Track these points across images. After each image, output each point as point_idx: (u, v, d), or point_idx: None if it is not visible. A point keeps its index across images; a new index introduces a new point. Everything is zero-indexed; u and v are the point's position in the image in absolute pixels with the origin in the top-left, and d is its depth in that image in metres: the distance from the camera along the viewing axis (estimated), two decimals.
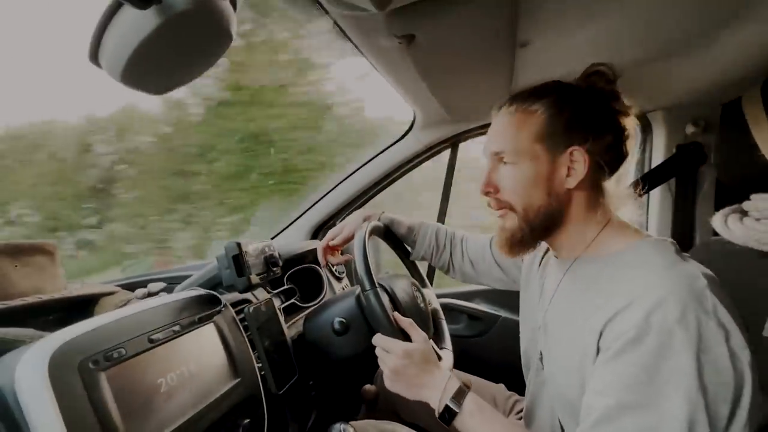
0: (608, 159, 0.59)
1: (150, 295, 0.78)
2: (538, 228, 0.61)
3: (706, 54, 0.91)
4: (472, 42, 0.81)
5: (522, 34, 0.83)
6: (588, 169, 0.57)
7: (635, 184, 1.14)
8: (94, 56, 0.51)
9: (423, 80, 0.96)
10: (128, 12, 0.46)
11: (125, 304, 0.75)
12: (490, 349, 1.40)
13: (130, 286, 0.82)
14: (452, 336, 1.01)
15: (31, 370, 0.43)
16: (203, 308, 0.65)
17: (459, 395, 0.63)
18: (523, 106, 0.60)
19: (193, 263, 1.07)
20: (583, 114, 0.58)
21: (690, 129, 1.16)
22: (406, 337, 0.77)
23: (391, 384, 0.67)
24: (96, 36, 0.49)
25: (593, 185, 0.60)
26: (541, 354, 0.67)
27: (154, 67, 0.54)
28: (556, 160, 0.58)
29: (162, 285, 0.82)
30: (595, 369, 0.50)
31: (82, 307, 0.76)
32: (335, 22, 0.73)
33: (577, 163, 0.57)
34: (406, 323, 0.72)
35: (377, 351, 0.69)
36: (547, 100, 0.59)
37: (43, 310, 0.65)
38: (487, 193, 0.64)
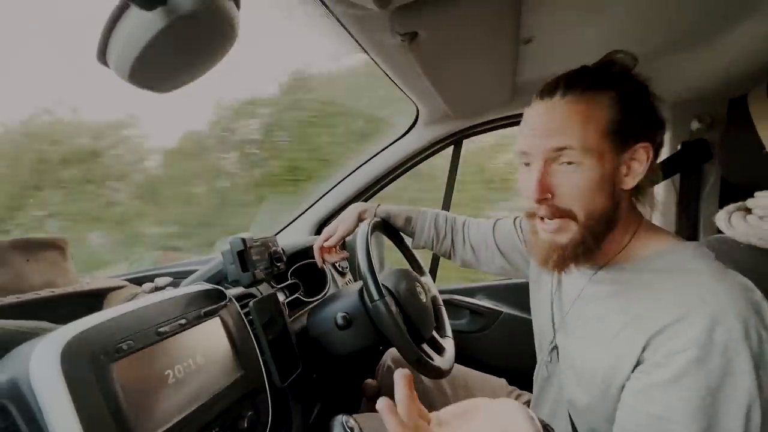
0: (656, 155, 0.54)
1: (157, 289, 0.80)
2: (599, 237, 0.54)
3: (712, 48, 0.90)
4: (475, 39, 0.81)
5: (525, 31, 0.83)
6: (647, 168, 0.52)
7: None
8: (102, 56, 0.52)
9: (426, 77, 0.96)
10: (135, 13, 0.47)
11: (133, 298, 0.77)
12: (492, 344, 1.41)
13: (138, 281, 0.84)
14: (455, 332, 1.01)
15: (44, 360, 0.45)
16: (209, 302, 0.67)
17: None
18: (586, 95, 0.51)
19: (199, 258, 1.09)
20: (646, 105, 0.52)
21: (695, 125, 1.15)
22: (412, 334, 0.75)
23: None
24: (103, 36, 0.50)
25: (637, 185, 0.54)
26: (554, 349, 0.67)
27: (161, 66, 0.55)
28: (620, 158, 0.52)
29: (169, 279, 0.83)
30: (648, 387, 0.47)
31: (93, 300, 0.78)
32: (339, 21, 0.73)
33: (637, 161, 0.52)
34: None
35: None
36: (619, 89, 0.51)
37: (55, 303, 0.67)
38: (542, 201, 0.53)
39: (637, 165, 0.52)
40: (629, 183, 0.52)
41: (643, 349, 0.48)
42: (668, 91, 1.15)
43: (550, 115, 0.53)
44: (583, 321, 0.61)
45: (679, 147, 1.19)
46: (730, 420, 0.43)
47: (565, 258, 0.55)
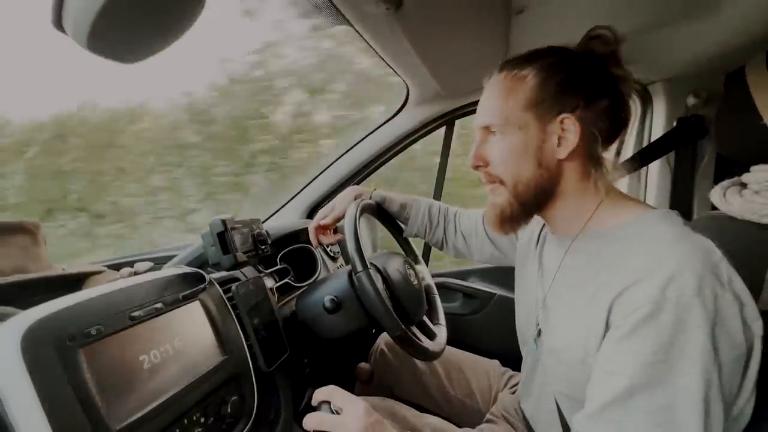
0: (604, 127, 0.55)
1: (136, 274, 0.77)
2: (529, 202, 0.59)
3: (708, 21, 0.87)
4: (464, 8, 0.77)
5: (517, 0, 0.79)
6: (580, 138, 0.54)
7: (634, 158, 1.12)
8: (58, 22, 0.48)
9: (414, 51, 0.92)
10: None
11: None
12: (485, 326, 1.41)
13: (117, 266, 0.81)
14: (447, 314, 1.00)
15: (4, 345, 0.42)
16: (187, 286, 0.64)
17: None
18: (512, 73, 0.57)
19: (181, 243, 1.06)
20: (575, 78, 0.55)
21: (691, 101, 1.12)
22: (400, 314, 0.76)
23: None
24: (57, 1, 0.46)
25: (588, 156, 0.57)
26: (539, 330, 0.67)
27: (123, 34, 0.51)
28: (546, 129, 0.55)
29: (149, 265, 0.81)
30: (605, 346, 0.48)
31: (70, 287, 0.75)
32: None
33: (568, 131, 0.54)
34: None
35: None
36: (538, 65, 0.56)
37: (27, 289, 0.65)
38: (477, 167, 0.62)
39: (569, 135, 0.55)
40: (562, 153, 0.55)
41: (608, 315, 0.49)
42: (664, 66, 1.11)
43: (486, 92, 0.61)
44: (559, 296, 0.62)
45: (674, 124, 1.16)
46: (685, 377, 0.42)
47: (503, 219, 0.61)
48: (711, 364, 0.42)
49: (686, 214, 1.14)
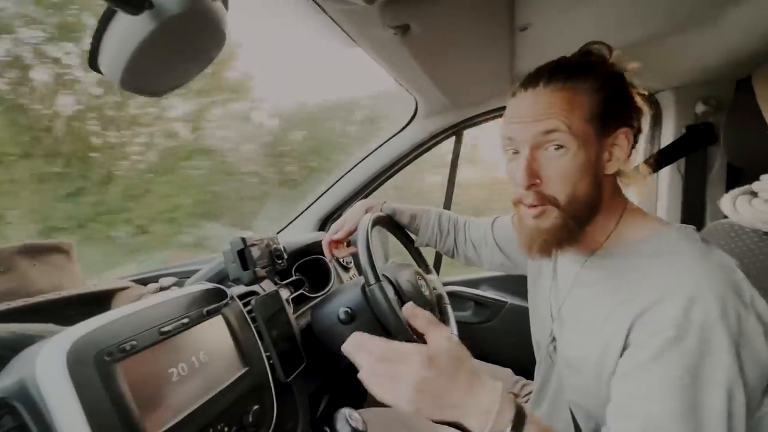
0: (635, 140, 0.56)
1: (162, 289, 0.81)
2: (581, 222, 0.55)
3: (717, 29, 0.87)
4: (469, 28, 0.80)
5: (521, 18, 0.82)
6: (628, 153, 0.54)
7: (643, 166, 1.12)
8: (94, 63, 0.53)
9: (422, 69, 0.95)
10: (123, 18, 0.48)
11: (139, 299, 0.78)
12: (497, 335, 1.41)
13: (143, 281, 0.86)
14: (459, 323, 1.02)
15: (50, 362, 0.46)
16: (210, 301, 0.68)
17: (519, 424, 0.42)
18: (570, 83, 0.53)
19: (202, 258, 1.11)
20: (626, 92, 0.55)
21: (700, 108, 1.12)
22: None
23: (409, 403, 0.42)
24: (94, 43, 0.51)
25: (620, 170, 0.56)
26: (554, 340, 0.67)
27: (153, 69, 0.56)
28: (602, 144, 0.54)
29: (173, 280, 0.85)
30: (627, 366, 0.48)
31: (100, 302, 0.80)
32: (331, 17, 0.73)
33: (619, 147, 0.54)
34: (423, 321, 0.49)
35: (375, 365, 0.44)
36: (596, 77, 0.53)
37: (62, 305, 0.69)
38: (530, 187, 0.54)
39: (619, 150, 0.54)
40: (611, 168, 0.54)
41: (628, 333, 0.49)
42: (671, 76, 1.12)
43: (536, 102, 0.54)
44: (575, 309, 0.62)
45: (684, 131, 1.16)
46: (713, 399, 0.43)
47: (548, 243, 0.56)
48: (736, 382, 0.43)
49: (698, 222, 1.14)
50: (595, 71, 0.53)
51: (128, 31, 0.48)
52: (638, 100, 0.56)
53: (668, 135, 1.19)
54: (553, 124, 0.52)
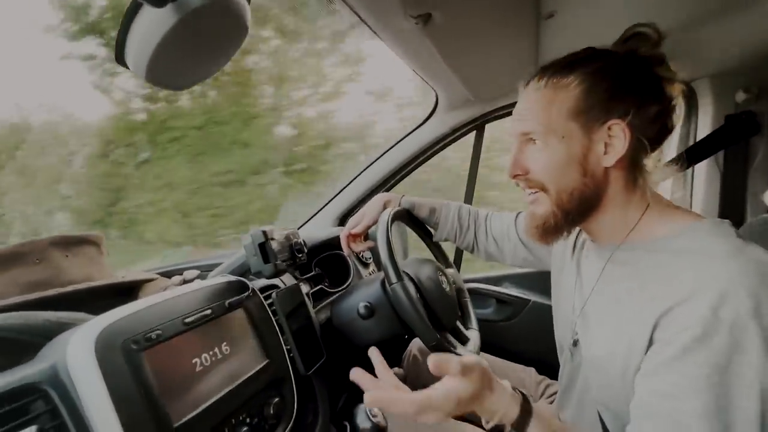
0: (651, 133, 0.53)
1: (185, 281, 0.83)
2: (573, 212, 0.57)
3: (758, 10, 0.82)
4: (492, 16, 0.78)
5: (546, 5, 0.79)
6: (628, 146, 0.52)
7: (678, 159, 1.06)
8: (120, 57, 0.54)
9: (443, 60, 0.93)
10: (147, 12, 0.48)
11: (164, 290, 0.80)
12: (520, 333, 1.38)
13: (168, 274, 0.88)
14: (481, 320, 1.00)
15: (80, 348, 0.47)
16: (232, 294, 0.68)
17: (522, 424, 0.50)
18: (553, 80, 0.55)
19: (224, 251, 1.12)
20: (623, 84, 0.53)
21: (741, 96, 1.06)
22: (434, 322, 0.75)
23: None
24: (120, 38, 0.52)
25: (633, 163, 0.55)
26: (577, 338, 0.65)
27: (176, 63, 0.56)
28: (592, 137, 0.53)
29: (196, 272, 0.86)
30: (652, 364, 0.48)
31: (128, 292, 0.82)
32: (351, 8, 0.72)
33: (616, 138, 0.52)
34: (454, 367, 0.49)
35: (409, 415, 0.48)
36: (582, 71, 0.53)
37: (93, 295, 0.71)
38: (515, 176, 0.59)
39: (617, 142, 0.52)
40: (609, 161, 0.53)
41: (653, 330, 0.48)
42: (707, 63, 1.06)
43: (522, 101, 0.59)
44: (600, 307, 0.60)
45: (722, 121, 1.10)
46: (743, 399, 0.41)
47: (545, 230, 0.59)
48: None
49: (738, 218, 1.08)
50: (580, 65, 0.54)
51: (153, 24, 0.49)
52: (639, 90, 0.53)
53: (705, 126, 1.13)
54: (529, 126, 0.56)
